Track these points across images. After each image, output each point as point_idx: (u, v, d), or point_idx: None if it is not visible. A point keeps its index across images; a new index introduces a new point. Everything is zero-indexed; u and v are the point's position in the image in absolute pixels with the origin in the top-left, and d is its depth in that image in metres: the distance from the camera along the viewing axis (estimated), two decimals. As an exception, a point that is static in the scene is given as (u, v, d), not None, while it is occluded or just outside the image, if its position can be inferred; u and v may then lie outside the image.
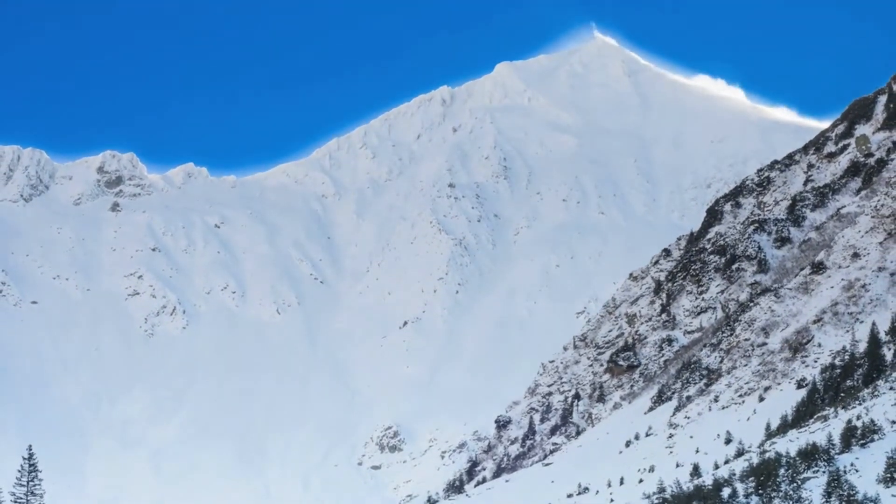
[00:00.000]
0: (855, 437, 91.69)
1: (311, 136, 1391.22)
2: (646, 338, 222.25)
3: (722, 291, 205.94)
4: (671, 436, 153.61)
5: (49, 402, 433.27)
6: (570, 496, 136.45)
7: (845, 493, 77.16)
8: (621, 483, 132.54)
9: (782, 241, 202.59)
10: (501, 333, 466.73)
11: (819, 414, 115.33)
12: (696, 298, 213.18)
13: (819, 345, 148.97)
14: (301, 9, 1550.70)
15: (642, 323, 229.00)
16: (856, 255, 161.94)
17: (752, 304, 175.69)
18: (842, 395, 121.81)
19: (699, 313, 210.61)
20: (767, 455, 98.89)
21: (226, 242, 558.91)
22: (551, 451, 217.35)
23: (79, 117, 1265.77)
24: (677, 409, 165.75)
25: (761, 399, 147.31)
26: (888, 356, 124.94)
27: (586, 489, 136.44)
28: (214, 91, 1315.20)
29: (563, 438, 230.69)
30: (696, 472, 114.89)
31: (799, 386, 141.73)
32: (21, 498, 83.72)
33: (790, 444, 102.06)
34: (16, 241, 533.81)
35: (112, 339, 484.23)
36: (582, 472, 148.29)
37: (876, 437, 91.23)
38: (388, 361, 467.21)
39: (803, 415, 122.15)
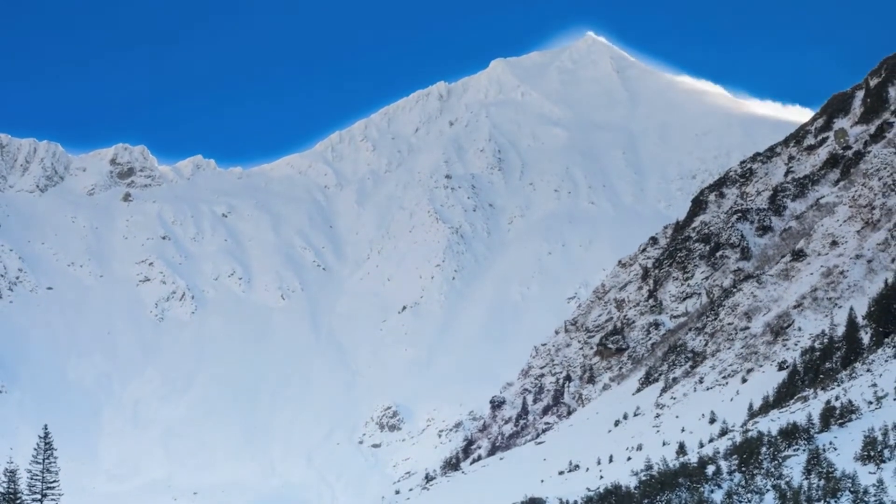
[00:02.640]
0: (833, 416, 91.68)
1: (315, 130, 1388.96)
2: (634, 322, 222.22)
3: (706, 278, 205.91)
4: (658, 415, 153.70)
5: (64, 384, 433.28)
6: (561, 473, 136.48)
7: (824, 471, 77.15)
8: (610, 461, 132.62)
9: (764, 229, 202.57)
10: (496, 318, 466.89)
11: (799, 395, 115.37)
12: (682, 284, 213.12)
13: (799, 329, 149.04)
14: (305, 9, 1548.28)
15: (630, 308, 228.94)
16: (834, 243, 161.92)
17: (735, 289, 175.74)
18: (821, 376, 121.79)
19: (685, 298, 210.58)
20: (750, 434, 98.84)
21: (233, 231, 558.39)
22: (544, 431, 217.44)
23: (92, 112, 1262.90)
24: (664, 390, 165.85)
25: (744, 380, 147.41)
26: (865, 340, 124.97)
27: (577, 466, 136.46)
28: (222, 87, 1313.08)
29: (555, 418, 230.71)
30: (681, 450, 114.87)
31: (780, 368, 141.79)
32: (37, 475, 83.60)
33: (772, 423, 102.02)
34: (32, 229, 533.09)
35: (124, 323, 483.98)
36: (573, 451, 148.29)
37: (854, 416, 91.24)
38: (388, 344, 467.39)
39: (784, 396, 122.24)
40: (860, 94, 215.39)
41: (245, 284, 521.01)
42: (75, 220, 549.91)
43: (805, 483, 76.99)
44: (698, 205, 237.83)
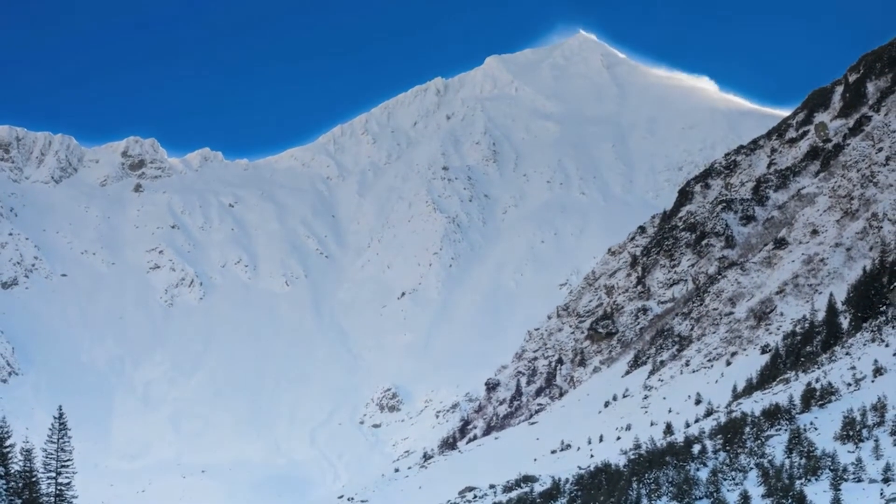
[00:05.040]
0: (814, 398, 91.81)
1: (317, 124, 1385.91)
2: (623, 307, 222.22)
3: (692, 265, 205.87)
4: (646, 397, 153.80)
5: (78, 367, 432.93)
6: (553, 452, 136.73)
7: (805, 450, 77.25)
8: (601, 440, 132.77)
9: (748, 219, 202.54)
10: (491, 303, 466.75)
11: (781, 377, 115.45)
12: (669, 271, 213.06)
13: (781, 314, 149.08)
14: (307, 8, 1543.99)
15: (620, 294, 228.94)
16: (815, 232, 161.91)
17: (720, 276, 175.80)
18: (802, 360, 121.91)
19: (672, 285, 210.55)
20: (734, 415, 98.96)
21: (239, 220, 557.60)
22: (536, 411, 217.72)
23: (104, 106, 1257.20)
24: (652, 373, 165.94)
25: (728, 363, 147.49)
26: (844, 324, 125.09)
27: (568, 446, 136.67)
28: (229, 82, 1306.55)
29: (548, 399, 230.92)
30: (668, 430, 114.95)
31: (763, 351, 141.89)
32: (52, 454, 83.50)
33: (755, 404, 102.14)
34: (47, 219, 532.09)
35: (135, 308, 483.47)
36: (564, 431, 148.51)
37: (833, 398, 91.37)
38: (388, 329, 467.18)
39: (767, 378, 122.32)
40: (839, 89, 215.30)
41: (251, 271, 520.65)
42: (88, 209, 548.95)
43: (787, 462, 77.09)
44: (685, 195, 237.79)
